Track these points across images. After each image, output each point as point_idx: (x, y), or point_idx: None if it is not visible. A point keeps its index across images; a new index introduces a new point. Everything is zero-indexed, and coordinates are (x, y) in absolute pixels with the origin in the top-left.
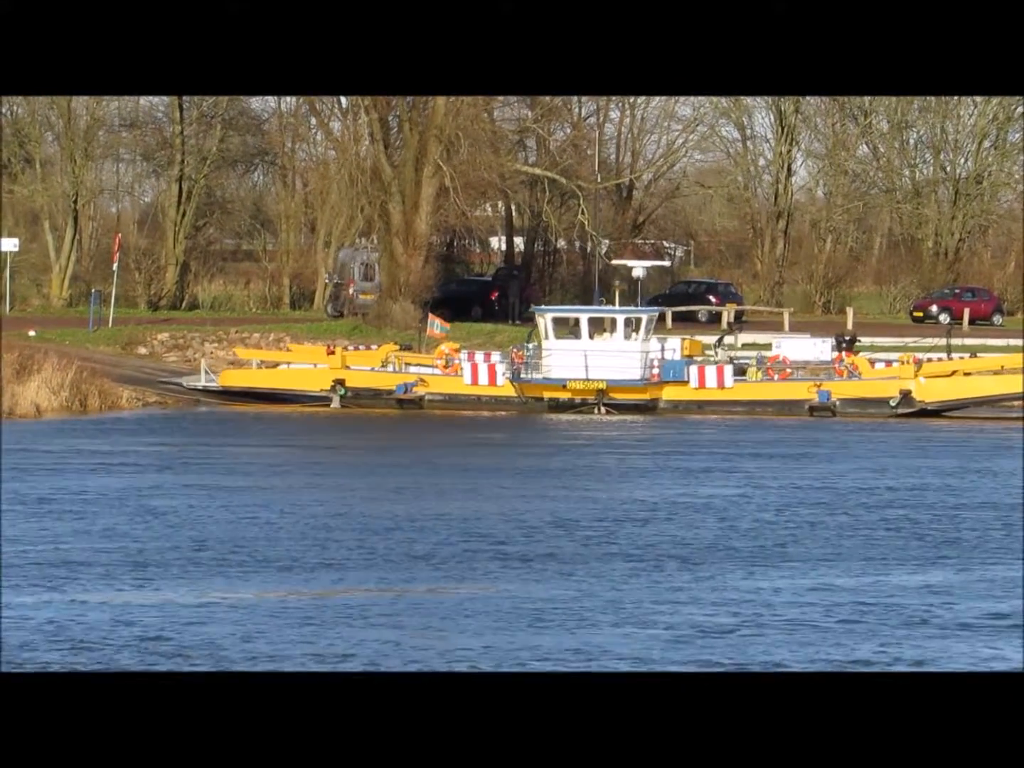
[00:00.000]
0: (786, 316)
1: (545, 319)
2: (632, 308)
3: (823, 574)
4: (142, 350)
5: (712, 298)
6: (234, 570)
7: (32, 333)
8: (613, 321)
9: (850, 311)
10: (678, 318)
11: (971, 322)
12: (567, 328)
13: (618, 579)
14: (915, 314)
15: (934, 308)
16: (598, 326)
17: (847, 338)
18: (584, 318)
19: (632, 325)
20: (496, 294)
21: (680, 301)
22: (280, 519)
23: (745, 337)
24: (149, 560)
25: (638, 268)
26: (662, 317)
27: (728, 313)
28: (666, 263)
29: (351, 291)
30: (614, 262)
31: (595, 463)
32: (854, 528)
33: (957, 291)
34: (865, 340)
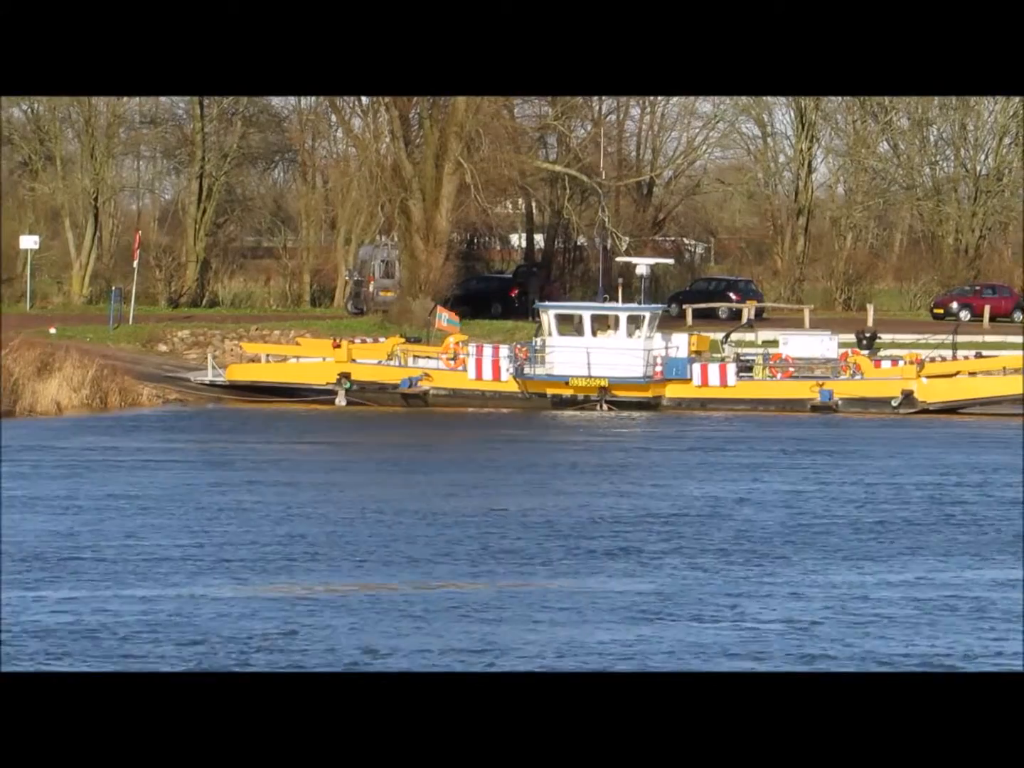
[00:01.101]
0: (806, 313)
1: (548, 315)
2: (635, 305)
3: (911, 568)
4: (163, 347)
5: (732, 295)
6: (324, 566)
7: (53, 330)
8: (616, 318)
9: (871, 308)
10: (698, 315)
11: (991, 319)
12: (571, 325)
13: (713, 573)
14: (935, 311)
15: (954, 305)
16: (602, 323)
17: (867, 335)
18: (587, 315)
19: (635, 322)
20: (516, 291)
21: (700, 298)
22: (356, 516)
23: (766, 334)
24: (236, 557)
25: (642, 265)
26: (682, 314)
27: (748, 310)
28: (670, 260)
29: (371, 288)
30: (618, 259)
31: (638, 459)
32: (931, 523)
33: (977, 288)
34: (885, 337)
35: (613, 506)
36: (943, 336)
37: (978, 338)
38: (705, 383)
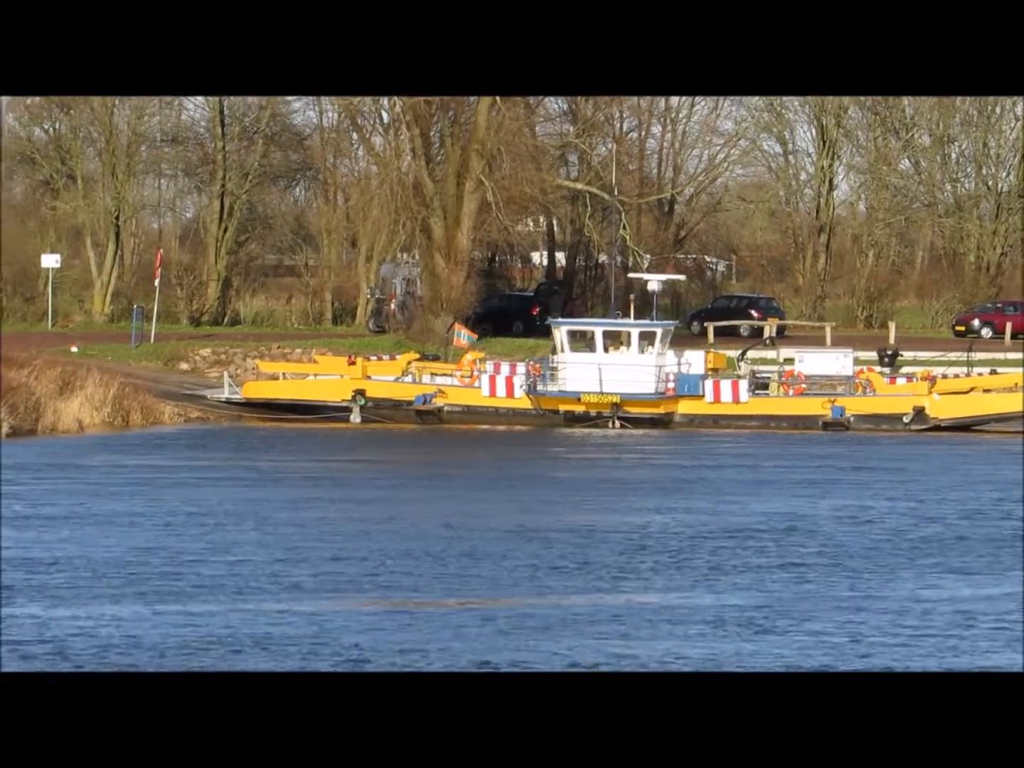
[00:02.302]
0: (828, 330)
1: (560, 332)
2: (646, 322)
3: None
4: (184, 366)
5: (754, 312)
6: (432, 580)
7: (74, 349)
8: (628, 335)
9: (892, 325)
10: (720, 333)
11: (1013, 336)
12: (583, 341)
13: (817, 585)
14: (957, 328)
15: (976, 322)
16: (614, 340)
17: (889, 352)
18: (598, 331)
19: (647, 339)
20: (537, 309)
21: (722, 316)
22: (444, 532)
23: (787, 351)
24: (345, 571)
25: (653, 282)
26: (704, 332)
27: (770, 327)
28: (681, 277)
29: (392, 306)
30: (630, 275)
31: (686, 476)
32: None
33: (999, 305)
34: (908, 354)
35: (695, 522)
36: (958, 353)
37: (999, 355)
38: (717, 399)
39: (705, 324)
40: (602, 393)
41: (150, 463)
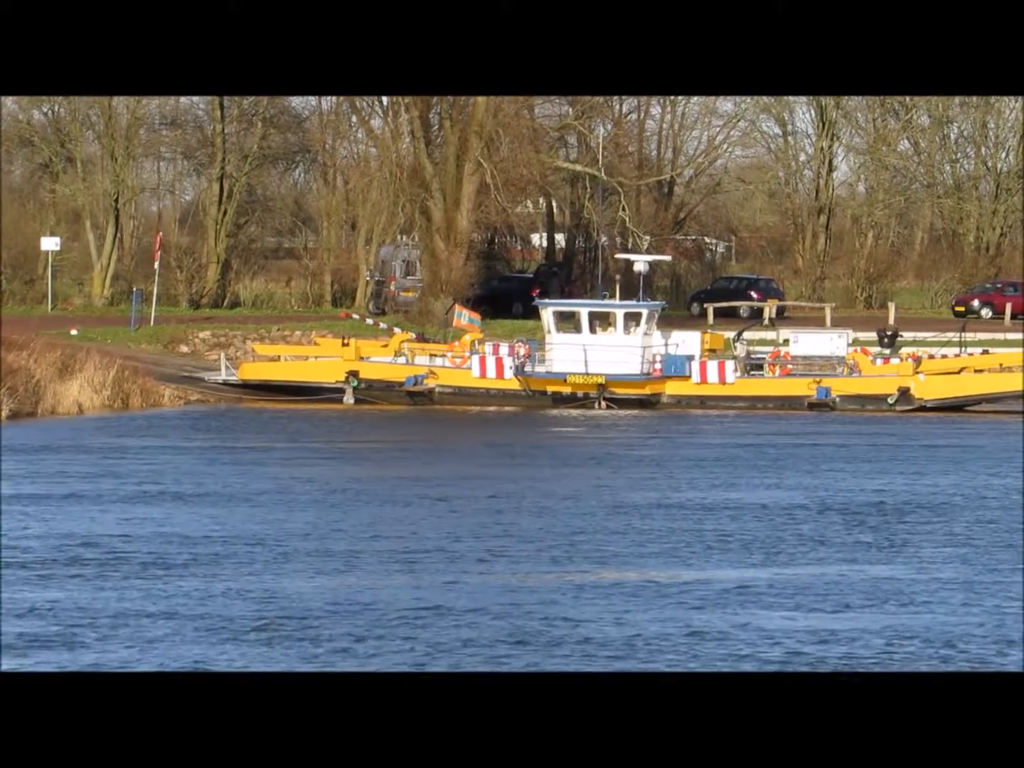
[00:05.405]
0: (828, 311)
1: (547, 313)
2: (632, 302)
3: None
4: (184, 348)
5: (754, 294)
6: (574, 556)
7: (74, 332)
8: (615, 315)
9: (892, 306)
10: (720, 314)
11: (1012, 316)
12: (571, 322)
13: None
14: (957, 309)
15: (976, 303)
16: (603, 320)
17: (889, 333)
18: (584, 312)
19: (634, 319)
20: (537, 291)
21: (722, 297)
22: (559, 507)
23: (786, 332)
24: (496, 547)
25: (639, 263)
26: (703, 313)
27: (769, 309)
28: (667, 257)
29: (392, 288)
30: (616, 256)
31: (747, 455)
32: None
33: (999, 285)
34: (907, 335)
35: (805, 498)
36: (951, 334)
37: (999, 335)
38: (704, 380)
39: (705, 305)
40: (588, 374)
41: (211, 445)
